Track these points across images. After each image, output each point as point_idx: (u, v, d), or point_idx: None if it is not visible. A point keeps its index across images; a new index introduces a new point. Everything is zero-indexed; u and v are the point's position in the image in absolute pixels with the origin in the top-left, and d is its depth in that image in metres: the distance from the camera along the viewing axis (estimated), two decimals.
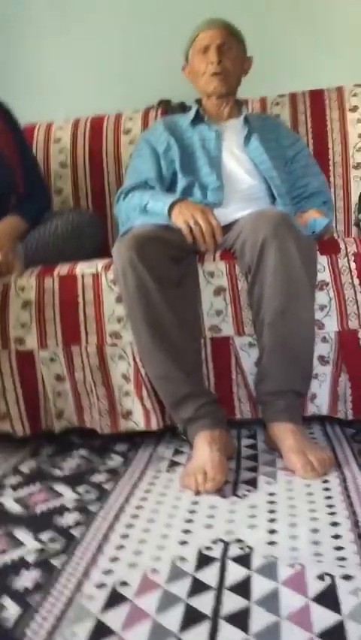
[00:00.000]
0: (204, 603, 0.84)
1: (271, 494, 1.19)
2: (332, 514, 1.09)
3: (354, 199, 2.05)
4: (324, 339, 1.49)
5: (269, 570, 0.91)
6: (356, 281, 1.46)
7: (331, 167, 2.08)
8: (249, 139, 1.79)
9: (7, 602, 0.88)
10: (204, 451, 1.30)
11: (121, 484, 1.31)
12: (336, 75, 2.32)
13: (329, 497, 1.16)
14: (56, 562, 0.99)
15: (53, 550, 1.03)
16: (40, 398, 1.60)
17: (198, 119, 1.84)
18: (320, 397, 1.52)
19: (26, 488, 1.34)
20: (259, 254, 1.37)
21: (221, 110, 1.85)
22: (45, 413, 1.61)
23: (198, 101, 1.90)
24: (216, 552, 0.98)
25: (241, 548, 0.99)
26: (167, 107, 2.30)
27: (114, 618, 0.82)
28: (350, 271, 1.47)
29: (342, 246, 1.49)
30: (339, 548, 0.96)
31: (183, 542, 1.03)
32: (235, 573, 0.91)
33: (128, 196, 1.73)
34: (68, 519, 1.16)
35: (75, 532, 1.10)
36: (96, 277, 1.54)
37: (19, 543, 1.07)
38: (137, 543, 1.04)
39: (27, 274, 1.60)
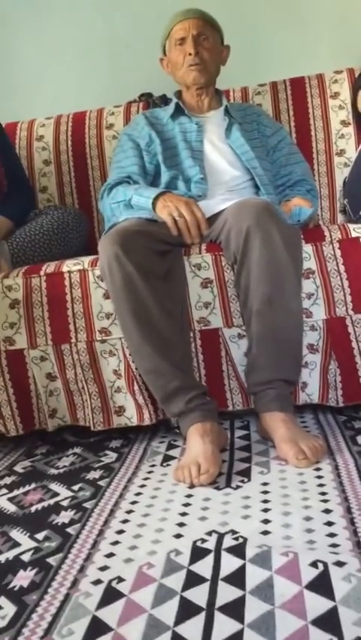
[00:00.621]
0: (199, 595, 0.84)
1: (265, 484, 1.20)
2: (325, 501, 1.10)
3: (338, 186, 2.05)
4: (313, 328, 1.50)
5: (263, 559, 0.92)
6: (342, 268, 1.47)
7: (314, 155, 2.08)
8: (230, 130, 1.79)
9: (3, 601, 0.88)
10: (196, 443, 1.30)
11: (116, 480, 1.32)
12: (316, 62, 2.31)
13: (321, 485, 1.17)
14: (51, 560, 1.00)
15: (49, 548, 1.04)
16: (32, 397, 1.60)
17: (178, 112, 1.83)
18: (311, 386, 1.52)
19: (21, 488, 1.34)
20: (244, 243, 1.38)
21: (201, 100, 1.85)
22: (38, 412, 1.61)
23: (178, 93, 1.89)
24: (210, 544, 0.99)
25: (235, 539, 0.99)
26: (148, 101, 2.30)
27: (110, 614, 0.82)
28: (336, 258, 1.47)
29: (327, 233, 1.50)
30: (332, 535, 0.97)
31: (178, 535, 1.03)
32: (230, 564, 0.92)
33: (112, 192, 1.72)
34: (64, 517, 1.16)
35: (71, 530, 1.10)
36: (83, 274, 1.54)
37: (14, 543, 1.08)
38: (132, 538, 1.04)
39: (14, 274, 1.59)
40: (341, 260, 1.47)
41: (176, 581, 0.89)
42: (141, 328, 1.37)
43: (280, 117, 2.11)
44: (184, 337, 1.48)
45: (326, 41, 2.43)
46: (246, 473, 1.27)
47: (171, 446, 1.50)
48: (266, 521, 1.05)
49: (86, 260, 1.58)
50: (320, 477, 1.20)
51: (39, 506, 1.23)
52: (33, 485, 1.35)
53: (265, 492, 1.17)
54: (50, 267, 1.58)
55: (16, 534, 1.11)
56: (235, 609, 0.80)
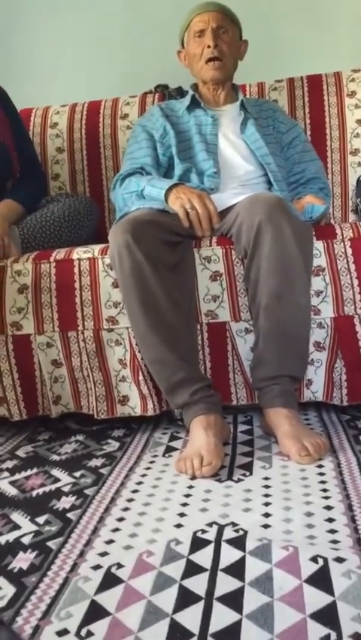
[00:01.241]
0: (198, 584, 0.84)
1: (266, 479, 1.20)
2: (326, 498, 1.10)
3: (351, 185, 2.05)
4: (320, 325, 1.49)
5: (263, 552, 0.92)
6: (353, 266, 1.46)
7: (328, 153, 2.07)
8: (245, 125, 1.78)
9: (3, 582, 0.89)
10: (200, 435, 1.30)
11: (117, 468, 1.32)
12: (334, 60, 2.30)
13: (323, 482, 1.17)
14: (51, 544, 1.00)
15: (49, 532, 1.04)
16: (37, 383, 1.60)
17: (194, 104, 1.83)
18: (316, 383, 1.52)
19: (23, 472, 1.35)
20: (255, 237, 1.38)
21: (217, 95, 1.84)
22: (42, 398, 1.61)
23: (195, 86, 1.89)
24: (210, 535, 0.99)
25: (236, 531, 0.99)
26: (164, 92, 2.29)
27: (109, 599, 0.83)
28: (346, 257, 1.47)
29: (338, 231, 1.49)
30: (332, 531, 0.97)
31: (179, 525, 1.03)
32: (229, 555, 0.92)
33: (124, 182, 1.72)
34: (65, 503, 1.16)
35: (71, 515, 1.10)
36: (93, 262, 1.54)
37: (15, 525, 1.08)
38: (132, 526, 1.04)
39: (23, 259, 1.59)
40: (351, 258, 1.47)
41: (175, 569, 0.89)
42: (148, 318, 1.37)
43: (295, 114, 2.10)
44: (191, 329, 1.48)
45: (344, 40, 2.42)
46: (248, 467, 1.27)
47: (173, 438, 1.50)
48: (267, 515, 1.05)
49: (96, 248, 1.57)
50: (321, 474, 1.20)
51: (40, 491, 1.23)
52: (35, 470, 1.35)
53: (267, 486, 1.17)
54: (59, 254, 1.58)
55: (17, 517, 1.12)
56: (234, 600, 0.80)
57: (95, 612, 0.80)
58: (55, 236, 1.74)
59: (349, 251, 1.47)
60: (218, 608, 0.79)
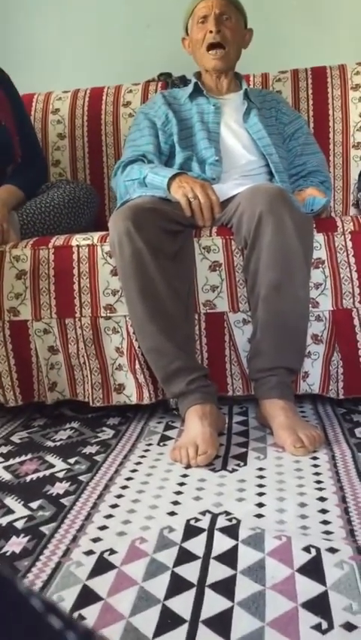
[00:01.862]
0: (190, 572, 0.85)
1: (261, 469, 1.20)
2: (320, 489, 1.10)
3: (353, 179, 2.04)
4: (318, 318, 1.49)
5: (256, 541, 0.92)
6: (352, 260, 1.46)
7: (331, 146, 2.06)
8: (248, 114, 1.77)
9: None
10: (195, 425, 1.30)
11: (112, 456, 1.32)
12: (339, 53, 2.29)
13: (317, 474, 1.17)
14: (44, 529, 1.00)
15: (42, 517, 1.04)
16: (33, 369, 1.60)
17: (197, 92, 1.82)
18: (312, 376, 1.52)
19: (17, 457, 1.35)
20: (256, 228, 1.37)
21: (220, 82, 1.83)
22: (38, 384, 1.61)
23: (198, 74, 1.88)
24: (204, 523, 0.99)
25: (229, 520, 1.00)
26: (167, 81, 2.28)
27: (101, 584, 0.83)
28: (347, 250, 1.46)
29: (339, 224, 1.49)
30: (326, 522, 0.97)
31: (172, 513, 1.03)
32: (222, 544, 0.92)
33: (126, 169, 1.71)
34: (58, 488, 1.16)
35: (65, 501, 1.10)
36: (92, 249, 1.53)
37: (8, 510, 1.08)
38: (126, 513, 1.04)
39: (22, 244, 1.59)
40: (351, 251, 1.46)
41: (168, 556, 0.89)
42: (147, 305, 1.37)
43: (299, 106, 2.09)
44: (189, 318, 1.48)
45: (349, 33, 2.40)
46: (242, 457, 1.27)
47: (168, 427, 1.50)
48: (261, 505, 1.05)
49: (96, 235, 1.57)
50: (316, 466, 1.21)
51: (34, 476, 1.23)
52: (29, 456, 1.35)
53: (261, 477, 1.17)
54: (58, 240, 1.58)
55: (11, 501, 1.11)
56: (226, 587, 0.80)
57: (87, 597, 0.80)
58: (54, 223, 1.73)
59: (349, 244, 1.47)
60: (210, 595, 0.79)
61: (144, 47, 2.53)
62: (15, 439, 1.48)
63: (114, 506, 1.07)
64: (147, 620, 0.74)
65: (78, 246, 1.54)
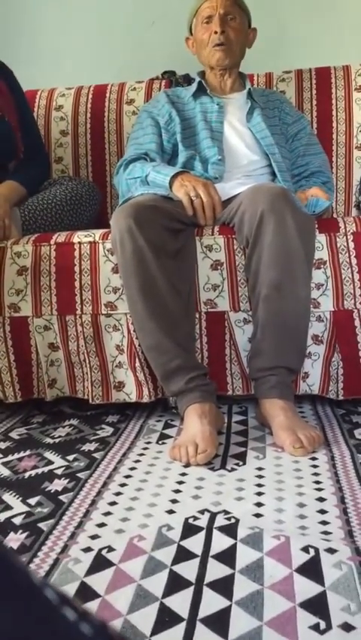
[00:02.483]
0: (188, 570, 0.84)
1: (260, 469, 1.20)
2: (319, 490, 1.10)
3: (355, 180, 2.04)
4: (319, 319, 1.49)
5: (254, 541, 0.92)
6: (354, 260, 1.46)
7: (334, 147, 2.06)
8: (251, 114, 1.77)
9: None
10: (194, 423, 1.30)
11: (111, 453, 1.32)
12: (343, 53, 2.29)
13: (316, 474, 1.17)
14: (43, 525, 1.00)
15: (41, 514, 1.04)
16: (32, 366, 1.60)
17: (200, 91, 1.81)
18: (312, 376, 1.52)
19: (16, 454, 1.34)
20: (257, 227, 1.37)
21: (224, 81, 1.82)
22: (37, 381, 1.61)
23: (202, 73, 1.87)
24: (202, 522, 0.99)
25: (228, 519, 0.99)
26: (171, 79, 2.27)
27: (99, 582, 0.83)
28: (348, 250, 1.46)
29: (341, 225, 1.49)
30: (324, 523, 0.97)
31: (171, 511, 1.03)
32: (221, 542, 0.92)
33: (128, 167, 1.71)
34: (57, 485, 1.16)
35: (63, 498, 1.10)
36: (94, 246, 1.53)
37: (6, 506, 1.08)
38: (124, 510, 1.04)
39: (23, 241, 1.58)
40: (353, 252, 1.46)
41: (166, 554, 0.89)
42: (148, 303, 1.37)
43: (302, 106, 2.09)
44: (189, 317, 1.48)
45: (354, 33, 2.40)
46: (241, 457, 1.26)
47: (167, 425, 1.50)
48: (259, 504, 1.05)
49: (98, 232, 1.57)
50: (315, 466, 1.20)
51: (33, 473, 1.23)
52: (28, 452, 1.35)
53: (260, 476, 1.16)
54: (60, 237, 1.57)
55: (9, 497, 1.11)
56: (224, 586, 0.80)
57: (85, 594, 0.80)
58: (56, 220, 1.73)
59: (351, 245, 1.46)
60: (208, 594, 0.79)
61: (148, 45, 2.53)
62: (14, 435, 1.48)
63: (113, 504, 1.07)
64: (145, 618, 0.74)
65: (80, 243, 1.54)
